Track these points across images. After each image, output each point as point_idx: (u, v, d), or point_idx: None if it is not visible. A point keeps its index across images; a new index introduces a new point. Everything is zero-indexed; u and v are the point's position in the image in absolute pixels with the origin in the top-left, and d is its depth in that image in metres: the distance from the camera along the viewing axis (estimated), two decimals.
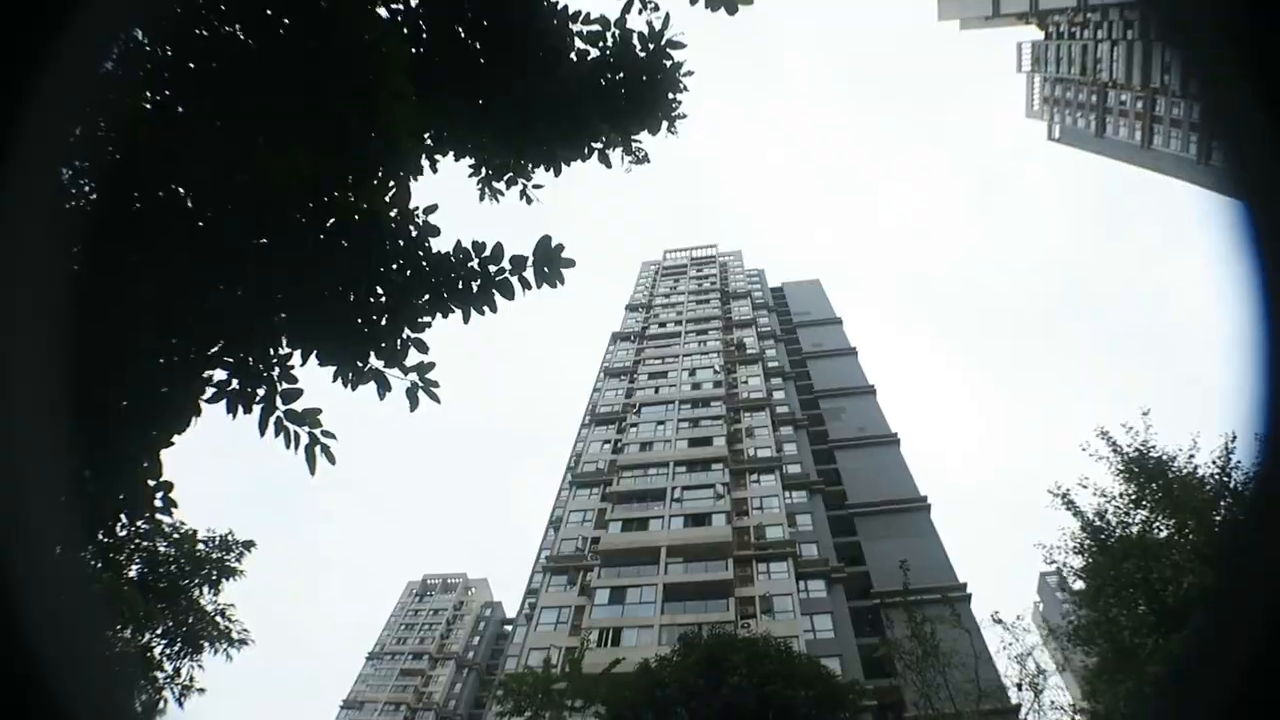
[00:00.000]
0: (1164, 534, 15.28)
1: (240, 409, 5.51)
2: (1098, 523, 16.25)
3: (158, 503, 5.51)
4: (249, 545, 11.16)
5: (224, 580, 10.63)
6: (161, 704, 9.98)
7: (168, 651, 10.03)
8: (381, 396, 6.07)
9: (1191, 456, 16.06)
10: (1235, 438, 15.09)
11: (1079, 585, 15.71)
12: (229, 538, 10.96)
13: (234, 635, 10.64)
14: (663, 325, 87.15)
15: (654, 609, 46.04)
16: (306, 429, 5.52)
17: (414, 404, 6.00)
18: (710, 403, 69.11)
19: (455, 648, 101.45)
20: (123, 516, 5.76)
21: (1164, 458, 15.91)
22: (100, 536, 6.81)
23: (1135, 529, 15.57)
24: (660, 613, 45.60)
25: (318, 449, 5.58)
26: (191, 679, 10.38)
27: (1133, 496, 16.03)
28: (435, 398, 6.11)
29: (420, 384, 5.99)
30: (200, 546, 10.59)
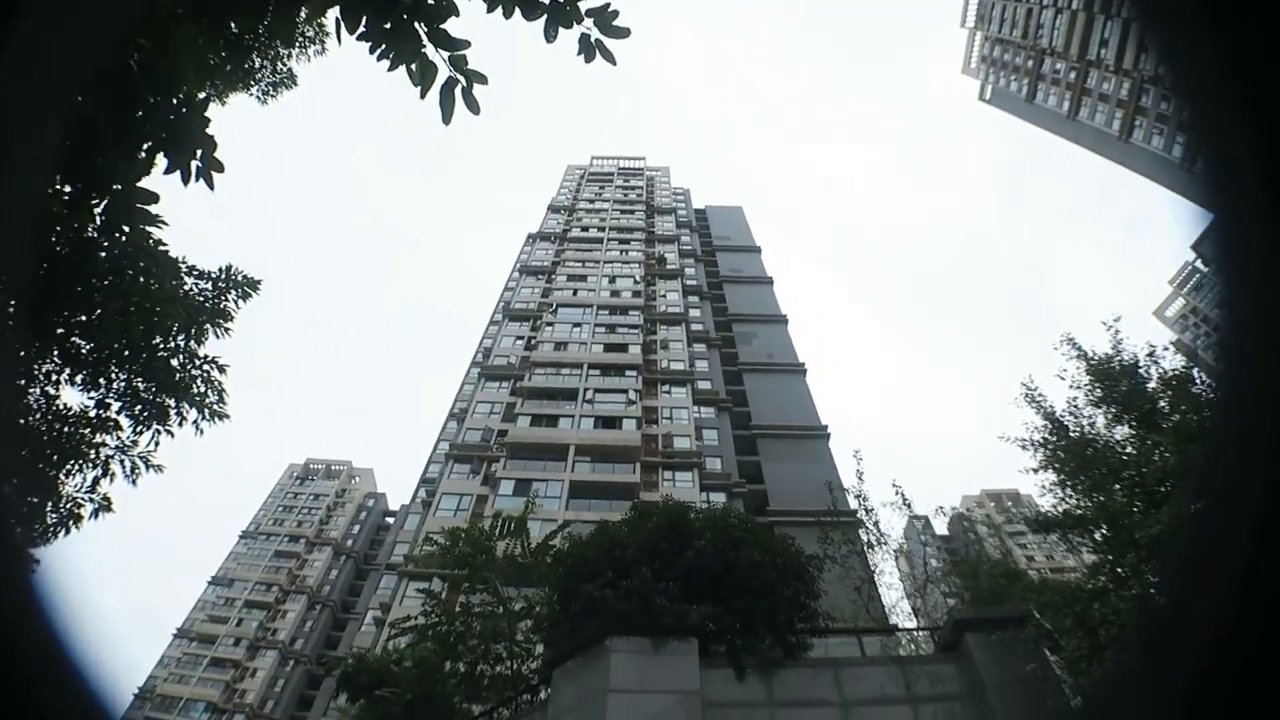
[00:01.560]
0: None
1: None
2: (1066, 418, 16.48)
3: None
4: (253, 286, 9.32)
5: (211, 328, 8.90)
6: (79, 511, 8.51)
7: (130, 411, 8.37)
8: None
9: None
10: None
11: (1049, 476, 15.68)
12: (232, 273, 9.10)
13: (216, 402, 8.91)
14: (585, 230, 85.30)
15: (559, 504, 45.68)
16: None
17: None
18: (629, 311, 68.49)
19: (334, 534, 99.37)
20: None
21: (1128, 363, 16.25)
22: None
23: (1101, 421, 15.91)
24: (565, 508, 45.26)
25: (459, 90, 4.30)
26: (155, 446, 8.74)
27: (1099, 396, 16.20)
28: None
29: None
30: (189, 281, 8.78)
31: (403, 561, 47.88)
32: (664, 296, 73.17)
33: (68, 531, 8.17)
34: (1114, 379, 16.01)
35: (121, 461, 8.54)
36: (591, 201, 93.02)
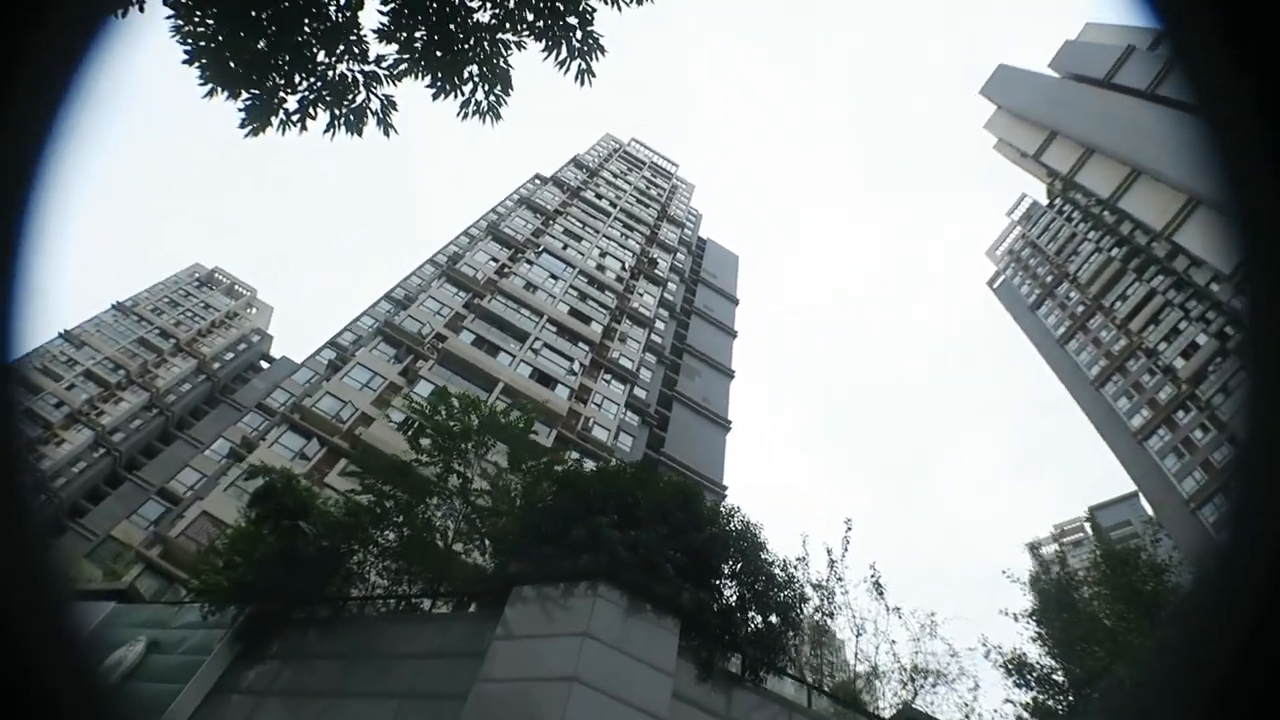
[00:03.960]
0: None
1: None
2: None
3: None
4: None
5: None
6: None
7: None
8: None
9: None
10: None
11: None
12: None
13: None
14: (599, 197, 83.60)
15: None
16: None
17: None
18: (605, 290, 67.13)
19: (205, 351, 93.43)
20: None
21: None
22: None
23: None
24: None
25: None
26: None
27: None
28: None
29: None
30: None
31: (289, 409, 44.83)
32: (641, 296, 72.07)
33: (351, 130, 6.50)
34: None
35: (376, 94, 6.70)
36: (615, 176, 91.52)
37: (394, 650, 13.29)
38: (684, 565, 12.86)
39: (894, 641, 16.60)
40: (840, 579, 16.98)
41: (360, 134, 6.65)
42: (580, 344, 58.00)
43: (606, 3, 6.33)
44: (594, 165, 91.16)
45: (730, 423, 70.60)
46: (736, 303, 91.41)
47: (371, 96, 6.40)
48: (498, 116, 6.01)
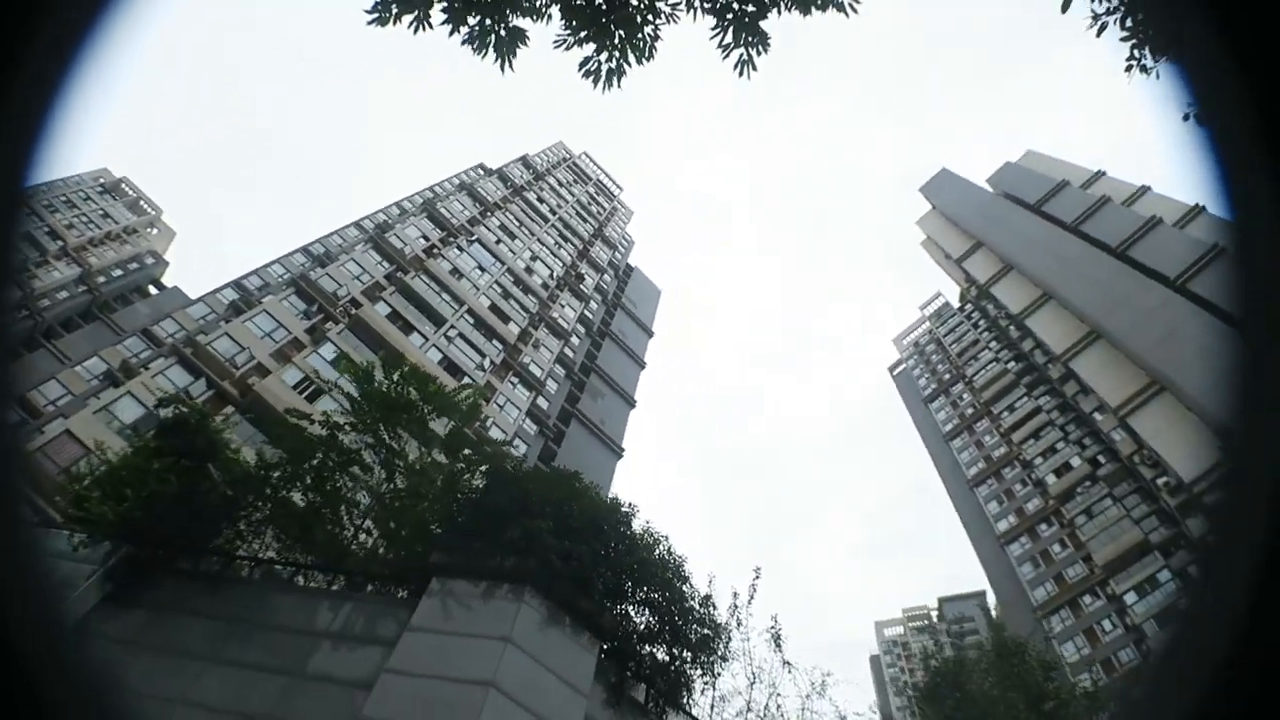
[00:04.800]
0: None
1: None
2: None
3: None
4: None
5: None
6: None
7: None
8: None
9: None
10: None
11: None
12: None
13: None
14: (541, 201, 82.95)
15: None
16: None
17: None
18: (530, 293, 66.40)
19: (94, 262, 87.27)
20: None
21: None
22: None
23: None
24: None
25: None
26: None
27: None
28: None
29: None
30: None
31: (181, 341, 42.24)
32: (562, 308, 71.65)
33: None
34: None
35: None
36: (560, 185, 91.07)
37: (286, 623, 12.34)
38: (611, 585, 12.59)
39: (783, 696, 16.65)
40: (741, 624, 16.98)
41: (486, 53, 6.25)
42: (495, 341, 57.03)
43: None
44: (541, 168, 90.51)
45: (623, 450, 70.91)
46: (651, 335, 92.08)
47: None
48: (616, 84, 5.75)
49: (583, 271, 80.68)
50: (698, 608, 13.74)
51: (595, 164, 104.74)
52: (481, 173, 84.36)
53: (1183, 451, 47.88)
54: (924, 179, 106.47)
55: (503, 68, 6.33)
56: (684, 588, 13.64)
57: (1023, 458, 75.12)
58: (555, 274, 73.31)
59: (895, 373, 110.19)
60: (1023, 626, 60.07)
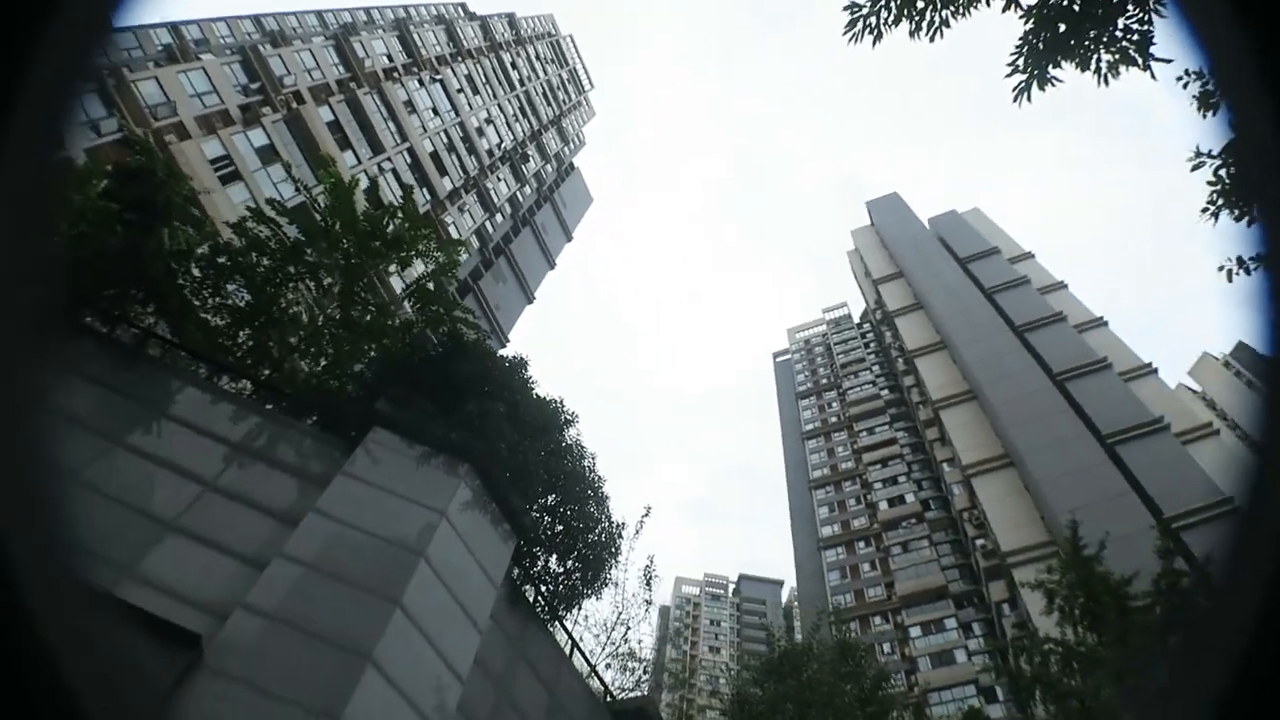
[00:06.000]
0: None
1: None
2: None
3: None
4: None
5: None
6: None
7: None
8: None
9: None
10: None
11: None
12: None
13: None
14: (514, 67, 79.42)
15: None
16: None
17: None
18: (474, 154, 64.16)
19: None
20: None
21: None
22: None
23: None
24: None
25: None
26: None
27: None
28: None
29: None
30: None
31: (105, 69, 38.23)
32: (498, 181, 69.76)
33: None
34: None
35: None
36: (536, 58, 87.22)
37: (204, 425, 11.12)
38: (545, 486, 12.55)
39: (638, 638, 17.22)
40: (621, 555, 17.33)
41: None
42: (425, 189, 54.70)
43: None
44: (525, 34, 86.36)
45: (509, 341, 70.34)
46: (570, 239, 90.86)
47: None
48: (940, 35, 5.48)
49: (529, 153, 78.29)
50: (604, 531, 13.85)
51: (577, 51, 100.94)
52: (462, 13, 79.65)
53: (1010, 523, 51.96)
54: (870, 192, 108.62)
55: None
56: (595, 510, 13.69)
57: (865, 478, 79.46)
58: (504, 145, 70.81)
59: (778, 360, 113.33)
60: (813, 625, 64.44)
